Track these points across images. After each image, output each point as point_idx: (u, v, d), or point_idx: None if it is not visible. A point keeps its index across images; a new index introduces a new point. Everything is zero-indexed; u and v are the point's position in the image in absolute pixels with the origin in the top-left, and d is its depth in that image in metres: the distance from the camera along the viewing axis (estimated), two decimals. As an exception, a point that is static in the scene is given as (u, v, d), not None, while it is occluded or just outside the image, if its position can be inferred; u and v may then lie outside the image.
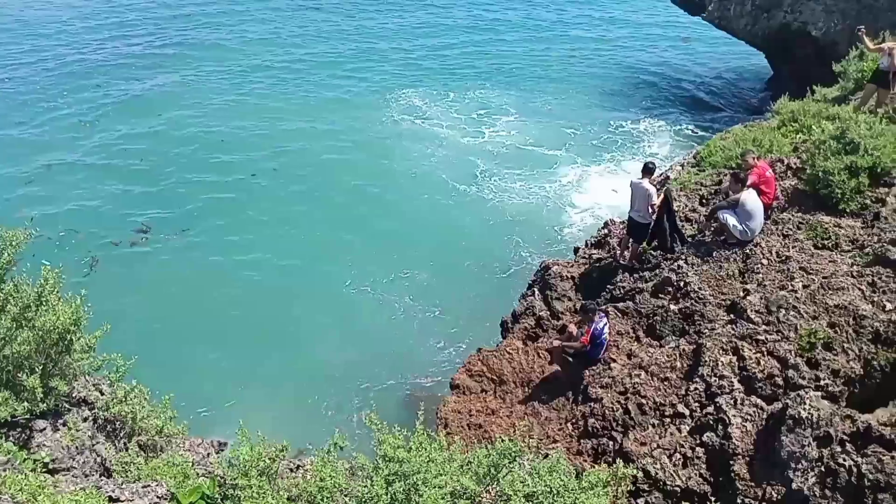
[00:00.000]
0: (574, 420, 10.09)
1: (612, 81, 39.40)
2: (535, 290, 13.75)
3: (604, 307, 11.67)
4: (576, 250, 15.97)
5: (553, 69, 41.33)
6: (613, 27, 51.22)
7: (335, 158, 28.73)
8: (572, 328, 11.44)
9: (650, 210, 12.20)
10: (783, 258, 11.09)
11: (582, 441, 9.71)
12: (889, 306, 9.53)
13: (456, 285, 20.83)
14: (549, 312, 12.87)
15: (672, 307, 11.02)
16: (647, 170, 12.28)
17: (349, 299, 20.27)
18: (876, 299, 9.75)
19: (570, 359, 11.04)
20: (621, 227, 14.60)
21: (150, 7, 52.67)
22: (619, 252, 13.76)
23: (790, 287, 10.30)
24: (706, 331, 10.23)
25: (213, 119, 32.49)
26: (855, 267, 10.50)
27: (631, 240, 13.18)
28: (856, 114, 13.83)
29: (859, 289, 9.96)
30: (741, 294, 10.61)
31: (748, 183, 11.43)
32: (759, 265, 11.09)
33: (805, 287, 10.21)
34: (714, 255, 11.73)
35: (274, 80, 37.85)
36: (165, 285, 20.56)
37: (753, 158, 12.31)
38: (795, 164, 13.40)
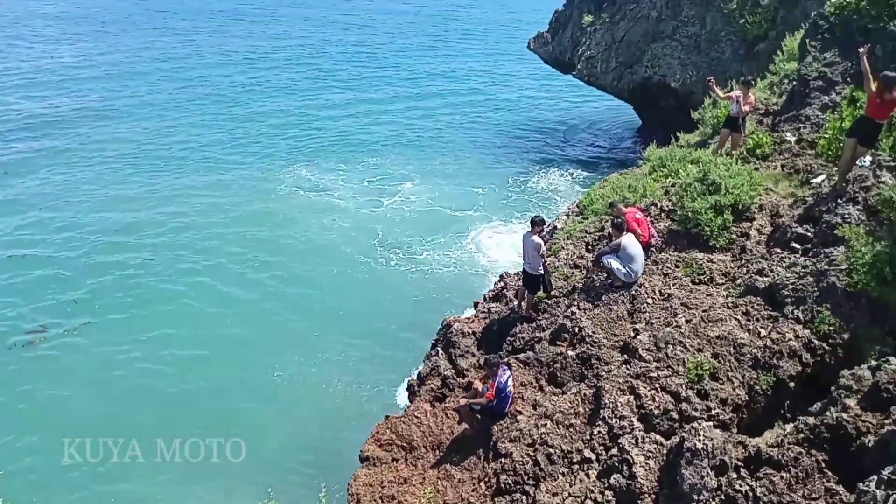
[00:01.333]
0: (486, 478, 10.00)
1: (504, 141, 41.08)
2: (439, 348, 13.75)
3: (506, 360, 11.80)
4: (475, 305, 16.20)
5: (446, 132, 42.61)
6: (496, 89, 53.95)
7: (232, 238, 28.01)
8: (478, 384, 11.46)
9: (541, 260, 12.67)
10: (666, 296, 11.71)
11: (496, 499, 9.61)
12: (763, 332, 10.22)
13: (370, 356, 20.63)
14: (454, 371, 12.87)
15: (570, 353, 11.31)
16: (535, 223, 12.75)
17: (261, 381, 19.58)
18: (751, 327, 10.42)
19: (478, 416, 11.03)
20: (517, 279, 14.98)
21: (23, 81, 50.21)
22: (516, 303, 14.07)
23: (675, 323, 10.85)
24: (603, 373, 10.54)
25: (97, 202, 31.12)
26: (730, 298, 11.23)
27: (526, 291, 13.52)
28: (715, 156, 15.04)
29: (736, 319, 10.63)
30: (632, 334, 11.06)
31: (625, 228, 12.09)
32: (646, 304, 11.64)
33: (688, 322, 10.78)
34: (603, 298, 12.21)
35: (159, 160, 36.89)
36: (68, 385, 19.21)
37: (622, 205, 13.10)
38: (667, 206, 14.32)
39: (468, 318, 14.70)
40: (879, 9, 15.38)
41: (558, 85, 51.65)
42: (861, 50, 11.38)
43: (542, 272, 12.86)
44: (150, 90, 49.27)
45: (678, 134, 20.30)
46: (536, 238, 12.51)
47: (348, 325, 22.00)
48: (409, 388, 13.53)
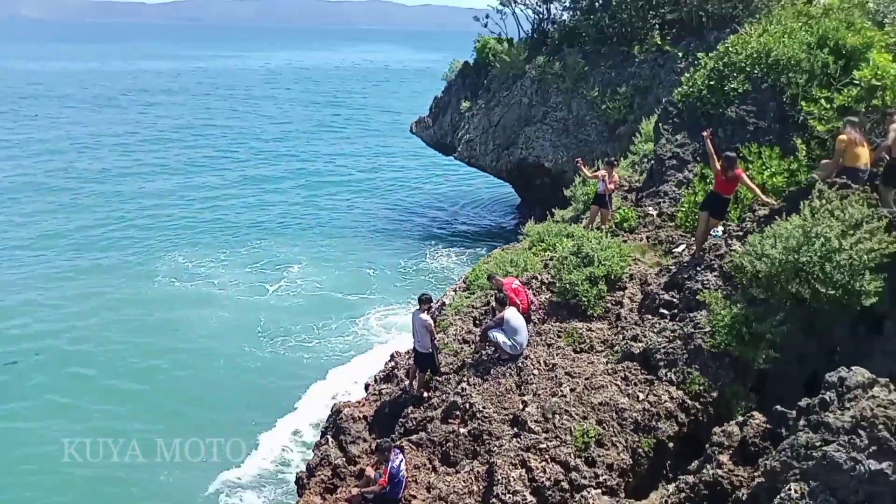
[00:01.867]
0: (382, 571, 9.55)
1: (391, 222, 41.42)
2: (329, 436, 13.24)
3: (398, 443, 11.54)
4: (366, 387, 15.85)
5: (332, 215, 42.45)
6: (380, 171, 54.95)
7: (107, 336, 25.87)
8: (370, 471, 11.08)
9: (430, 338, 12.71)
10: (550, 366, 12.01)
11: (393, 593, 9.17)
12: (641, 396, 10.67)
13: (254, 448, 19.43)
14: (344, 459, 12.39)
15: (462, 430, 11.23)
16: (422, 300, 12.85)
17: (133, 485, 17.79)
18: (630, 391, 10.87)
19: (371, 504, 10.62)
20: (407, 358, 14.87)
21: None
22: (408, 383, 13.92)
23: (560, 392, 11.11)
24: (495, 448, 10.52)
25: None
26: (609, 365, 11.71)
27: (417, 370, 13.44)
28: (587, 231, 15.99)
29: (616, 384, 11.06)
30: (520, 406, 11.18)
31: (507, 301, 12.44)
32: (532, 375, 11.87)
33: (572, 390, 11.08)
34: (492, 372, 12.32)
35: (25, 246, 34.22)
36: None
37: (499, 276, 13.58)
38: (547, 278, 14.93)
39: (358, 402, 14.33)
40: (718, 97, 17.32)
41: (441, 166, 53.41)
42: (704, 133, 12.71)
43: (432, 350, 12.88)
44: (12, 174, 46.24)
45: (554, 210, 21.46)
46: (425, 316, 12.58)
47: (232, 423, 20.55)
48: (298, 480, 12.86)
